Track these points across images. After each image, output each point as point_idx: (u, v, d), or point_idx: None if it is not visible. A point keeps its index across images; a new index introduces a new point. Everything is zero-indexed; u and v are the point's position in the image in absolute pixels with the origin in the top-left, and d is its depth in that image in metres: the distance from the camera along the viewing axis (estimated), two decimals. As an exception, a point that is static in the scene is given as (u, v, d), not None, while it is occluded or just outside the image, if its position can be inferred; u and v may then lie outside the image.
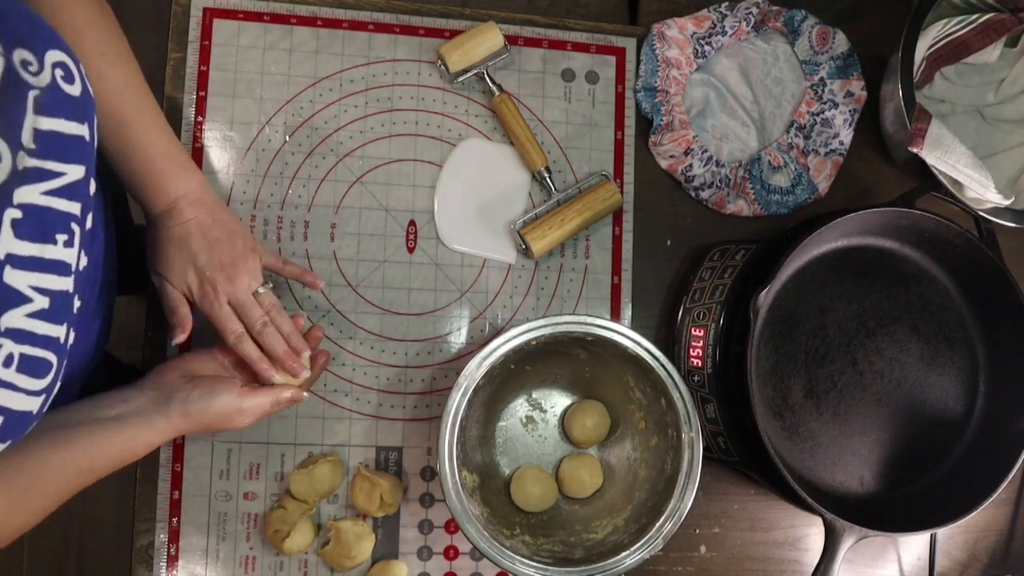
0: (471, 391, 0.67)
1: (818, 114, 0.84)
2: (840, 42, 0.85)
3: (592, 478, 0.76)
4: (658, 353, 0.69)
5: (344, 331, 0.78)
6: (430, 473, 0.78)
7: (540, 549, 0.70)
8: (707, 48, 0.84)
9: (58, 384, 0.48)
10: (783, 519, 0.83)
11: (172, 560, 0.74)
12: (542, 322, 0.68)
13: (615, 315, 0.82)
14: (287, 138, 0.79)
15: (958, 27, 0.80)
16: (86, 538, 1.53)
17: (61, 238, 0.45)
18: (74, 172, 0.46)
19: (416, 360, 0.79)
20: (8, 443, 0.46)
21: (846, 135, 0.84)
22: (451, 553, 0.78)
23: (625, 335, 0.69)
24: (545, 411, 0.79)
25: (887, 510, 0.75)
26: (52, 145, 0.44)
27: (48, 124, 0.44)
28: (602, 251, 0.83)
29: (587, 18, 0.86)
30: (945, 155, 0.75)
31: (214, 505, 0.75)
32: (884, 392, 0.77)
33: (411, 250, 0.80)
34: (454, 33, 0.81)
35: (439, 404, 0.79)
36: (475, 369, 0.67)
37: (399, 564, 0.76)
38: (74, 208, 0.46)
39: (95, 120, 0.49)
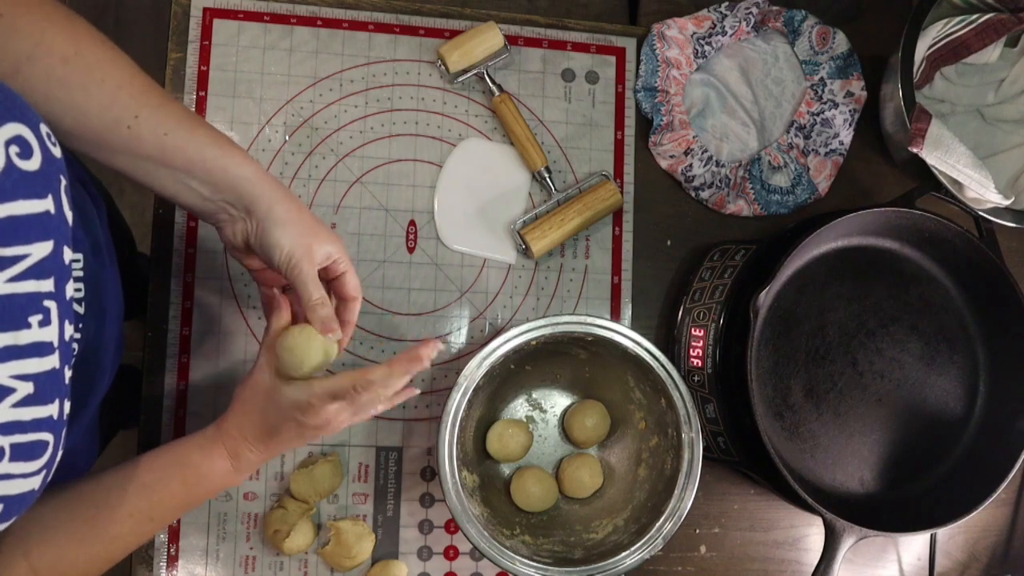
0: (471, 391, 0.67)
1: (818, 114, 0.84)
2: (840, 42, 0.85)
3: (592, 478, 0.76)
4: (658, 353, 0.69)
5: (344, 331, 0.78)
6: (430, 473, 0.78)
7: (540, 549, 0.70)
8: (707, 48, 0.84)
9: (59, 454, 0.47)
10: (783, 519, 0.83)
11: (172, 560, 0.74)
12: (542, 322, 0.68)
13: (615, 315, 0.82)
14: (287, 138, 0.79)
15: (958, 27, 0.80)
16: (86, 538, 1.53)
17: (35, 320, 0.42)
18: (39, 250, 0.42)
19: (416, 360, 0.79)
20: (13, 519, 0.45)
21: (846, 135, 0.84)
22: (451, 553, 0.78)
23: (625, 335, 0.69)
24: (545, 411, 0.79)
25: (887, 510, 0.75)
26: (9, 232, 0.41)
27: (3, 211, 0.40)
28: (602, 251, 0.82)
29: (587, 18, 0.86)
30: (945, 155, 0.75)
31: (214, 505, 0.75)
32: (884, 392, 0.77)
33: (411, 250, 0.80)
34: (454, 33, 0.81)
35: (439, 404, 0.79)
36: (475, 369, 0.67)
37: (399, 564, 0.76)
38: (45, 286, 0.43)
39: (62, 185, 0.45)
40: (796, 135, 0.84)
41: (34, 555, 0.52)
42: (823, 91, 0.84)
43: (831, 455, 0.76)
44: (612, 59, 0.84)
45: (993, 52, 0.83)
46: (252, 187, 0.57)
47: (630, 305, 0.83)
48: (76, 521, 0.55)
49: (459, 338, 0.80)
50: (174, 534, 0.74)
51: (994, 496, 0.70)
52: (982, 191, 0.76)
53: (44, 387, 0.44)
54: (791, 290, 0.76)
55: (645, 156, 0.84)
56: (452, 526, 0.78)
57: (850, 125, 0.84)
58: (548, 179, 0.80)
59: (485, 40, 0.79)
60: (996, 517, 0.87)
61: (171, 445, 0.60)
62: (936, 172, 0.76)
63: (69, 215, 0.45)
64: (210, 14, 0.78)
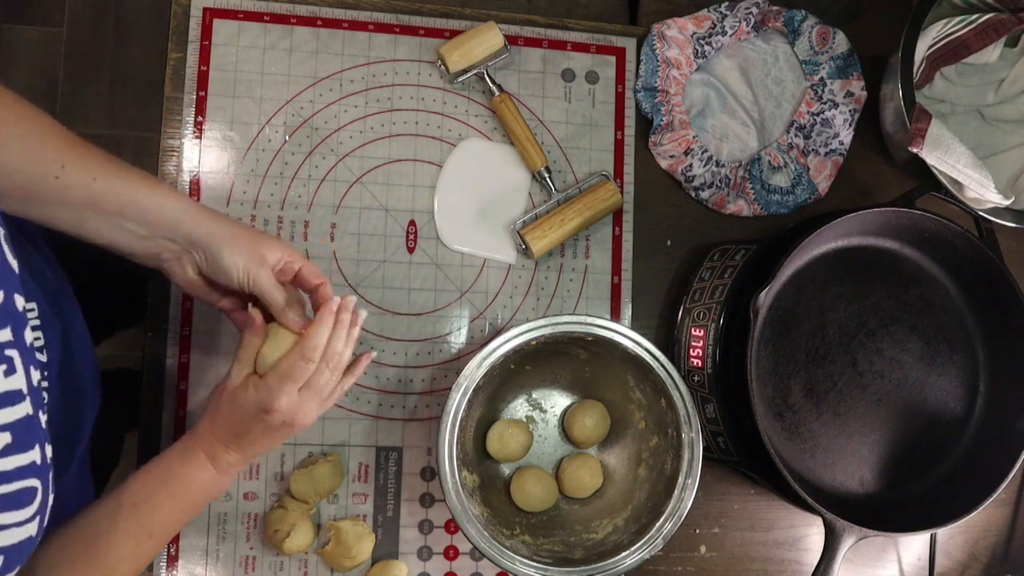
0: (471, 391, 0.67)
1: (818, 114, 0.84)
2: (840, 42, 0.85)
3: (592, 478, 0.76)
4: (658, 353, 0.69)
5: (344, 331, 0.78)
6: (430, 473, 0.78)
7: (540, 549, 0.70)
8: (707, 48, 0.84)
9: (50, 498, 0.46)
10: (783, 519, 0.83)
11: (172, 560, 0.74)
12: (542, 322, 0.68)
13: (615, 315, 0.82)
14: (287, 138, 0.79)
15: (958, 27, 0.80)
16: (86, 538, 1.53)
17: (0, 369, 0.42)
18: None
19: (416, 360, 0.79)
20: (17, 569, 0.45)
21: (846, 135, 0.84)
22: (451, 553, 0.78)
23: (625, 335, 0.69)
24: (545, 411, 0.79)
25: (887, 510, 0.75)
26: None
27: None
28: (602, 251, 0.83)
29: (587, 18, 0.86)
30: (945, 155, 0.75)
31: (214, 505, 0.75)
32: (884, 392, 0.77)
33: (411, 250, 0.80)
34: (454, 33, 0.81)
35: (439, 404, 0.79)
36: (475, 369, 0.67)
37: (399, 564, 0.76)
38: (3, 335, 0.43)
39: (1, 234, 0.45)
40: (796, 135, 0.84)
41: None
42: (823, 91, 0.84)
43: (831, 455, 0.76)
44: (612, 59, 0.84)
45: (993, 52, 0.83)
46: (189, 218, 0.59)
47: (630, 305, 0.83)
48: (75, 556, 0.54)
49: (459, 338, 0.80)
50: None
51: (994, 496, 0.70)
52: (982, 191, 0.76)
53: (21, 435, 0.43)
54: (791, 290, 0.76)
55: (645, 156, 0.84)
56: (452, 526, 0.78)
57: (850, 125, 0.84)
58: (548, 179, 0.80)
59: (485, 40, 0.79)
60: (996, 517, 0.87)
61: (155, 460, 0.60)
62: (936, 172, 0.76)
63: (14, 263, 0.45)
64: (210, 14, 0.78)
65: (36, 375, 0.46)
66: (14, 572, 0.44)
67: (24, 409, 0.44)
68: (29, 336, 0.46)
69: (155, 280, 0.76)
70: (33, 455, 0.44)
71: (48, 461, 0.46)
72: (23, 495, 0.44)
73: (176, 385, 0.75)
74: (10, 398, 0.43)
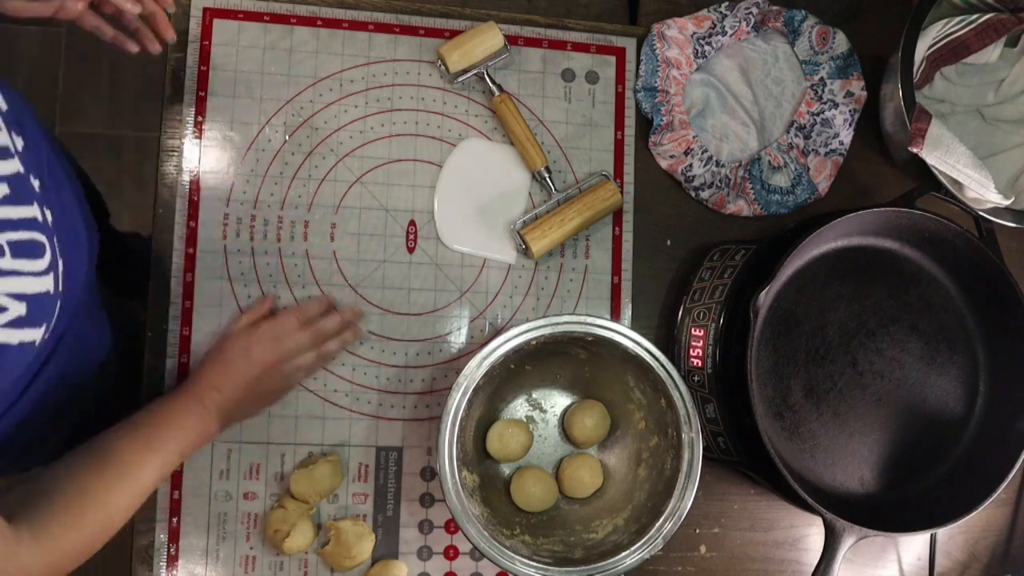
0: (471, 391, 0.67)
1: (818, 114, 0.84)
2: (840, 42, 0.85)
3: (592, 478, 0.76)
4: (658, 353, 0.69)
5: (344, 331, 0.78)
6: (430, 473, 0.78)
7: (540, 549, 0.70)
8: (707, 48, 0.84)
9: (60, 263, 0.50)
10: (783, 519, 0.83)
11: (172, 560, 0.74)
12: (542, 322, 0.68)
13: (615, 315, 0.82)
14: (287, 138, 0.79)
15: (958, 27, 0.80)
16: (86, 538, 1.52)
17: None
18: None
19: (416, 360, 0.79)
20: (44, 326, 0.48)
21: (846, 135, 0.84)
22: (451, 553, 0.78)
23: (625, 335, 0.69)
24: (545, 411, 0.79)
25: (887, 510, 0.75)
26: None
27: None
28: (602, 251, 0.82)
29: (587, 18, 0.86)
30: (945, 155, 0.75)
31: (214, 505, 0.75)
32: (884, 392, 0.77)
33: (411, 250, 0.80)
34: (454, 33, 0.81)
35: (439, 404, 0.79)
36: (475, 369, 0.67)
37: (399, 564, 0.76)
38: None
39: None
40: (796, 135, 0.84)
41: (37, 522, 0.53)
42: (823, 91, 0.84)
43: (831, 455, 0.76)
44: (612, 59, 0.84)
45: (993, 52, 0.83)
46: None
47: (630, 305, 0.83)
48: (81, 476, 0.57)
49: (459, 338, 0.80)
50: (174, 534, 0.74)
51: (994, 496, 0.70)
52: (982, 191, 0.76)
53: (16, 188, 0.46)
54: (791, 290, 0.76)
55: (645, 156, 0.84)
56: (452, 526, 0.78)
57: (850, 125, 0.84)
58: (548, 179, 0.80)
59: (485, 40, 0.79)
60: (996, 517, 0.87)
61: (150, 407, 0.65)
62: (936, 172, 0.76)
63: None
64: (210, 14, 0.78)
65: (19, 140, 0.49)
66: (42, 330, 0.48)
67: (14, 166, 0.47)
68: (3, 103, 0.48)
69: (155, 280, 0.76)
70: (33, 211, 0.48)
71: (50, 224, 0.49)
72: (33, 247, 0.47)
73: (176, 385, 0.75)
74: (0, 152, 0.46)
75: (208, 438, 0.68)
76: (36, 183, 0.49)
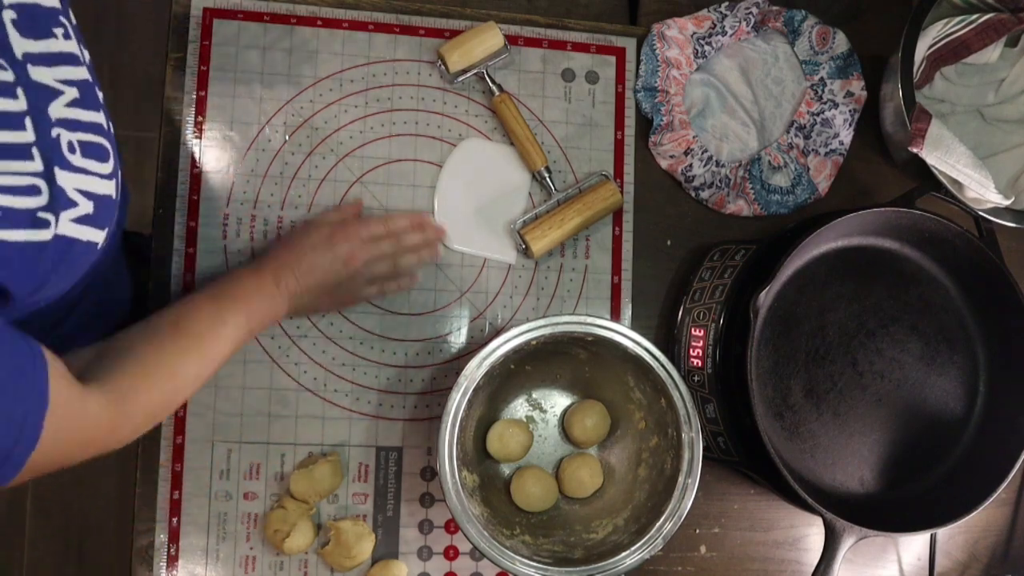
0: (471, 391, 0.67)
1: (818, 114, 0.84)
2: (840, 42, 0.85)
3: (592, 478, 0.76)
4: (658, 353, 0.69)
5: (344, 331, 0.78)
6: (430, 473, 0.78)
7: (540, 549, 0.70)
8: (707, 48, 0.84)
9: (120, 170, 0.52)
10: (783, 519, 0.83)
11: (172, 560, 0.74)
12: (542, 322, 0.68)
13: (615, 315, 0.82)
14: (287, 138, 0.79)
15: (958, 27, 0.80)
16: (86, 538, 1.53)
17: (58, 31, 0.48)
18: None
19: (416, 360, 0.79)
20: (106, 231, 0.50)
21: (846, 135, 0.84)
22: (451, 553, 0.78)
23: (625, 335, 0.69)
24: (545, 411, 0.79)
25: (887, 510, 0.75)
26: None
27: None
28: (602, 251, 0.83)
29: (587, 18, 0.86)
30: (945, 155, 0.75)
31: (214, 505, 0.75)
32: (884, 392, 0.77)
33: (411, 250, 0.80)
34: (454, 33, 0.81)
35: (439, 404, 0.79)
36: (475, 369, 0.67)
37: (399, 564, 0.76)
38: (54, 2, 0.48)
39: None
40: (796, 135, 0.84)
41: (109, 383, 0.54)
42: (823, 91, 0.84)
43: (831, 455, 0.76)
44: (612, 59, 0.84)
45: (993, 52, 0.83)
46: None
47: (630, 305, 0.83)
48: (154, 342, 0.59)
49: (459, 338, 0.80)
50: (174, 534, 0.74)
51: (994, 496, 0.70)
52: (982, 191, 0.76)
53: (86, 94, 0.49)
54: (791, 290, 0.76)
55: (645, 156, 0.84)
56: (452, 526, 0.78)
57: (850, 125, 0.84)
58: (548, 179, 0.80)
59: (485, 40, 0.79)
60: (996, 517, 0.87)
61: (222, 280, 0.68)
62: (936, 172, 0.76)
63: None
64: (210, 14, 0.78)
65: (86, 54, 0.51)
66: (104, 233, 0.50)
67: (84, 73, 0.49)
68: (73, 19, 0.50)
69: (155, 280, 0.76)
70: (99, 117, 0.50)
71: (111, 132, 0.51)
72: (100, 150, 0.49)
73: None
74: (72, 59, 0.48)
75: (276, 320, 0.70)
76: (101, 95, 0.51)
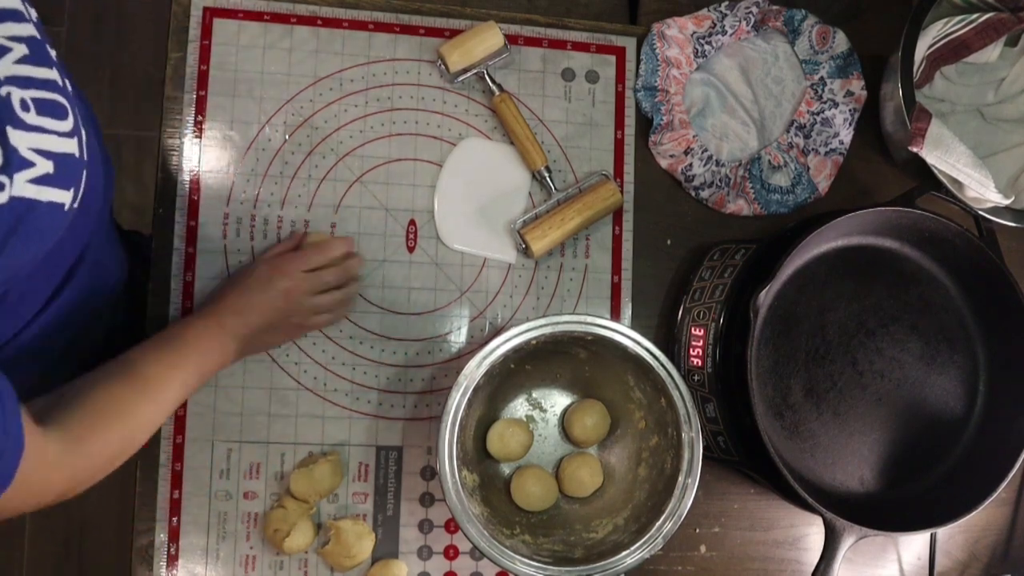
0: (471, 390, 0.67)
1: (818, 113, 0.84)
2: (840, 41, 0.85)
3: (592, 477, 0.76)
4: (658, 353, 0.69)
5: (344, 330, 0.78)
6: (430, 473, 0.78)
7: (540, 548, 0.70)
8: (707, 47, 0.84)
9: (82, 131, 0.49)
10: (783, 518, 0.83)
11: (172, 560, 0.74)
12: (542, 321, 0.68)
13: (615, 315, 0.82)
14: (287, 137, 0.79)
15: (958, 26, 0.80)
16: (86, 538, 1.53)
17: None
18: None
19: (416, 359, 0.79)
20: (72, 191, 0.48)
21: (846, 135, 0.84)
22: (451, 552, 0.78)
23: (625, 335, 0.69)
24: (545, 410, 0.79)
25: (887, 510, 0.75)
26: None
27: None
28: (602, 251, 0.83)
29: (587, 17, 0.86)
30: (945, 154, 0.75)
31: (214, 505, 0.75)
32: (884, 392, 0.77)
33: (411, 249, 0.80)
34: (454, 32, 0.81)
35: (439, 403, 0.79)
36: (475, 368, 0.67)
37: (399, 564, 0.76)
38: None
39: None
40: (796, 134, 0.84)
41: (66, 427, 0.53)
42: (823, 90, 0.84)
43: (831, 455, 0.76)
44: (612, 58, 0.84)
45: (993, 51, 0.83)
46: None
47: (630, 305, 0.83)
48: (107, 387, 0.58)
49: (459, 337, 0.80)
50: (174, 534, 0.74)
51: (994, 496, 0.70)
52: (982, 190, 0.76)
53: (35, 50, 0.46)
54: (791, 290, 0.76)
55: (645, 155, 0.84)
56: (452, 525, 0.78)
57: (850, 124, 0.84)
58: (548, 178, 0.80)
59: (485, 40, 0.79)
60: (996, 517, 0.87)
61: (170, 329, 0.68)
62: (936, 171, 0.76)
63: None
64: (210, 13, 0.78)
65: (34, 13, 0.49)
66: (70, 194, 0.48)
67: (30, 30, 0.47)
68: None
69: (155, 280, 0.76)
70: (52, 73, 0.48)
71: (70, 91, 0.49)
72: (56, 107, 0.47)
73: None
74: (15, 15, 0.46)
75: (226, 363, 0.70)
76: (53, 53, 0.49)
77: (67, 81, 0.50)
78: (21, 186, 0.44)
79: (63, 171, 0.46)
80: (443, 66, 0.80)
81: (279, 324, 0.72)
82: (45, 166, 0.45)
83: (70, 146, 0.47)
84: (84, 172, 0.49)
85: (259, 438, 0.76)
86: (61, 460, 0.52)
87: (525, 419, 0.78)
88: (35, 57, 0.46)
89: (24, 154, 0.44)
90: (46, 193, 0.45)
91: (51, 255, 0.50)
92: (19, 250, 0.45)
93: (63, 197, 0.47)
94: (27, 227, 0.45)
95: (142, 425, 0.60)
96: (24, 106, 0.44)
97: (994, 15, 0.81)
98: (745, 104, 0.85)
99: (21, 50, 0.45)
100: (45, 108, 0.46)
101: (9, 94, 0.44)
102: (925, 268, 0.79)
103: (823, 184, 0.84)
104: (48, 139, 0.46)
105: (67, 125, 0.47)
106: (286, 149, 0.79)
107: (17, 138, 0.43)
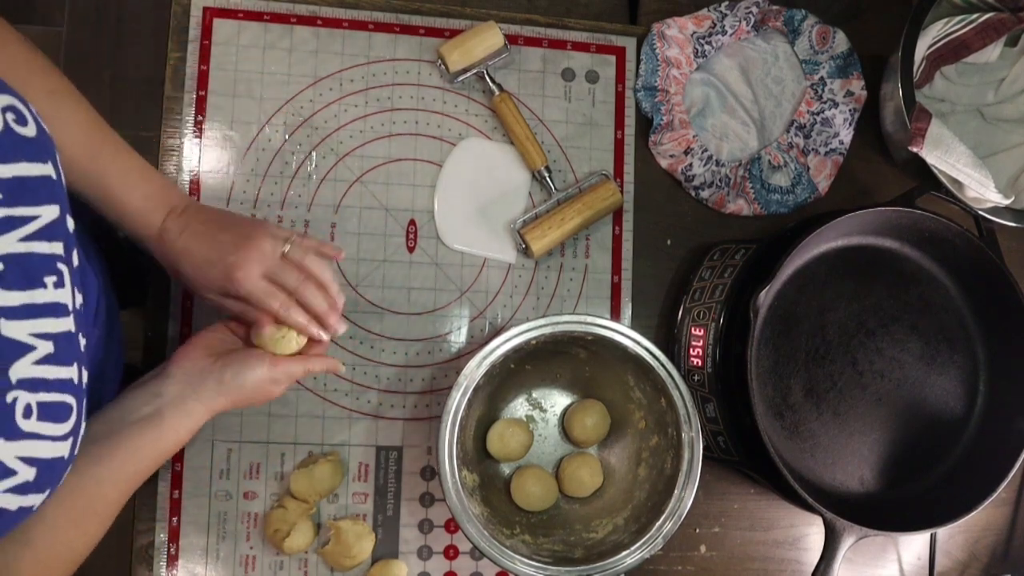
0: (471, 390, 0.67)
1: (818, 113, 0.84)
2: (840, 41, 0.85)
3: (592, 477, 0.76)
4: (658, 353, 0.69)
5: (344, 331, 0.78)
6: (430, 473, 0.78)
7: (540, 548, 0.70)
8: (707, 47, 0.84)
9: (83, 425, 0.47)
10: (783, 518, 0.83)
11: (172, 559, 0.74)
12: (542, 321, 0.68)
13: (615, 315, 0.82)
14: (287, 137, 0.79)
15: (958, 26, 0.80)
16: (86, 538, 1.52)
17: (50, 280, 0.44)
18: (48, 213, 0.45)
19: (416, 359, 0.79)
20: (48, 492, 0.45)
21: (846, 134, 0.84)
22: (451, 552, 0.78)
23: (625, 335, 0.69)
24: (545, 410, 0.79)
25: (887, 510, 0.75)
26: (18, 190, 0.43)
27: (9, 171, 0.42)
28: (602, 250, 0.82)
29: (587, 17, 0.86)
30: (945, 154, 0.75)
31: (214, 505, 0.75)
32: (884, 392, 0.77)
33: (411, 249, 0.80)
34: (454, 32, 0.81)
35: (439, 403, 0.79)
36: (475, 368, 0.67)
37: (399, 564, 0.76)
38: (56, 248, 0.45)
39: (57, 158, 0.47)
40: (796, 134, 0.84)
41: (37, 543, 0.52)
42: (823, 90, 0.84)
43: (831, 455, 0.76)
44: (612, 58, 0.84)
45: (993, 51, 0.83)
46: (155, 249, 0.62)
47: (630, 304, 0.83)
48: (75, 513, 0.55)
49: (459, 337, 0.80)
50: (174, 533, 0.74)
51: (994, 496, 0.70)
52: (982, 190, 0.76)
53: (62, 348, 0.45)
54: (791, 289, 0.76)
55: (645, 155, 0.84)
56: (452, 525, 0.78)
57: (850, 124, 0.84)
58: (548, 178, 0.80)
59: (485, 39, 0.79)
60: (996, 517, 0.87)
61: (149, 430, 0.59)
62: (936, 171, 0.76)
63: (65, 183, 0.47)
64: (210, 13, 0.78)
65: (79, 298, 0.47)
66: (44, 495, 0.45)
67: (67, 324, 0.46)
68: (76, 257, 0.47)
69: (155, 280, 0.76)
70: (71, 372, 0.46)
71: (83, 385, 0.47)
72: (61, 409, 0.45)
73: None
74: (56, 310, 0.45)
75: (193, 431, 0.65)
76: (84, 342, 0.48)
77: (84, 371, 0.47)
78: None
79: (44, 476, 0.44)
80: (443, 66, 0.80)
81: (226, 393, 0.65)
82: (26, 474, 0.43)
83: (61, 449, 0.45)
84: (67, 470, 0.47)
85: (259, 438, 0.76)
86: (31, 568, 0.50)
87: (525, 419, 0.78)
88: (59, 355, 0.45)
89: (8, 463, 0.42)
90: (18, 501, 0.43)
91: None
92: None
93: (35, 501, 0.45)
94: None
95: (92, 539, 0.57)
96: (27, 412, 0.43)
97: (994, 15, 0.81)
98: (745, 104, 0.85)
99: (46, 348, 0.44)
100: (49, 412, 0.44)
101: (15, 400, 0.42)
102: (925, 268, 0.79)
103: (823, 184, 0.84)
104: (39, 446, 0.43)
105: (66, 427, 0.45)
106: (286, 149, 0.79)
107: (5, 449, 0.41)
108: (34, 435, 0.43)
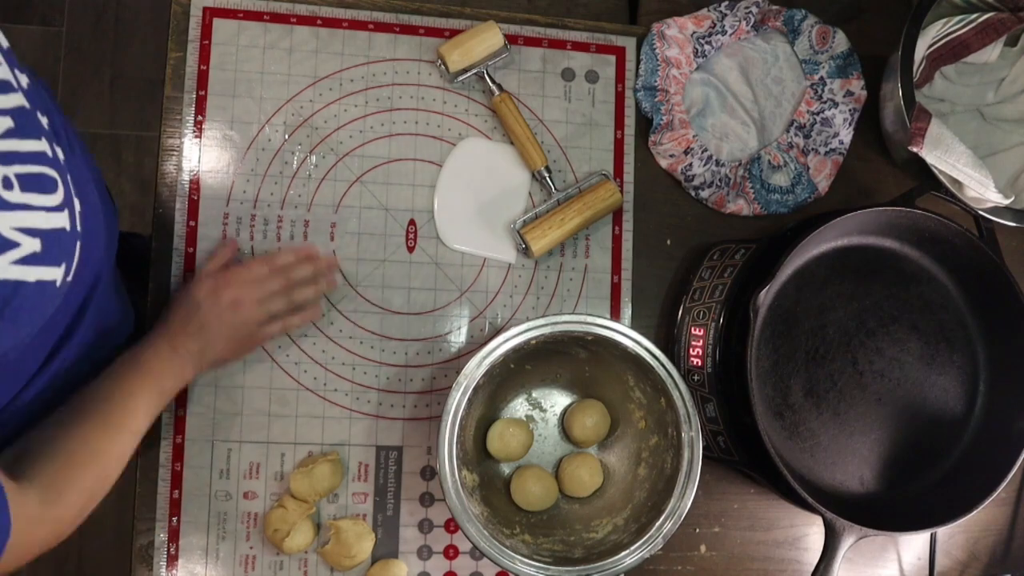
0: (471, 390, 0.67)
1: (818, 113, 0.84)
2: (840, 41, 0.85)
3: (592, 477, 0.76)
4: (658, 352, 0.69)
5: (344, 330, 0.78)
6: (430, 473, 0.78)
7: (540, 548, 0.70)
8: (707, 47, 0.84)
9: (75, 202, 0.48)
10: (783, 518, 0.83)
11: (172, 559, 0.74)
12: (542, 321, 0.68)
13: (615, 314, 0.82)
14: (287, 137, 0.79)
15: (958, 26, 0.80)
16: (86, 538, 1.53)
17: None
18: None
19: (416, 359, 0.79)
20: (64, 266, 0.47)
21: (846, 134, 0.84)
22: (451, 552, 0.78)
23: (625, 334, 0.69)
24: (545, 410, 0.79)
25: (887, 510, 0.75)
26: None
27: None
28: (602, 250, 0.83)
29: (587, 17, 0.86)
30: (945, 154, 0.75)
31: (214, 504, 0.75)
32: (884, 392, 0.77)
33: (411, 249, 0.80)
34: (454, 32, 0.81)
35: (439, 403, 0.79)
36: (475, 368, 0.67)
37: (399, 563, 0.76)
38: None
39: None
40: (796, 134, 0.84)
41: (41, 479, 0.53)
42: (823, 90, 0.84)
43: (831, 454, 0.76)
44: (612, 58, 0.84)
45: (993, 51, 0.83)
46: None
47: (630, 304, 0.83)
48: (74, 431, 0.58)
49: (459, 337, 0.80)
50: (174, 533, 0.74)
51: (994, 495, 0.70)
52: (982, 190, 0.76)
53: (22, 122, 0.45)
54: (791, 289, 0.76)
55: (645, 155, 0.84)
56: (452, 525, 0.78)
57: (850, 124, 0.84)
58: (548, 178, 0.80)
59: (485, 39, 0.79)
60: (996, 516, 0.87)
61: (124, 357, 0.65)
62: (936, 171, 0.76)
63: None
64: (210, 13, 0.78)
65: (23, 79, 0.47)
66: (61, 269, 0.46)
67: (18, 100, 0.46)
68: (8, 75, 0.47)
69: (155, 280, 0.76)
70: (41, 145, 0.46)
71: (61, 161, 0.48)
72: (44, 180, 0.46)
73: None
74: (2, 86, 0.45)
75: (186, 380, 0.69)
76: (44, 120, 0.48)
77: (57, 150, 0.48)
78: (4, 268, 0.42)
79: (52, 247, 0.45)
80: (443, 66, 0.80)
81: (231, 336, 0.70)
82: (31, 244, 0.44)
83: (59, 220, 0.46)
84: (77, 244, 0.48)
85: (259, 438, 0.76)
86: (42, 515, 0.51)
87: (525, 419, 0.78)
88: (21, 129, 0.45)
89: (7, 234, 0.42)
90: (34, 272, 0.44)
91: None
92: (9, 332, 0.44)
93: (53, 274, 0.46)
94: (14, 309, 0.43)
95: (113, 462, 0.60)
96: (7, 184, 0.43)
97: (994, 15, 0.81)
98: (745, 104, 0.85)
99: (5, 123, 0.44)
100: (31, 183, 0.44)
101: None
102: (925, 268, 0.79)
103: (823, 184, 0.84)
104: (34, 216, 0.44)
105: (56, 199, 0.46)
106: (286, 149, 0.79)
107: (1, 221, 0.42)
108: (24, 206, 0.44)
